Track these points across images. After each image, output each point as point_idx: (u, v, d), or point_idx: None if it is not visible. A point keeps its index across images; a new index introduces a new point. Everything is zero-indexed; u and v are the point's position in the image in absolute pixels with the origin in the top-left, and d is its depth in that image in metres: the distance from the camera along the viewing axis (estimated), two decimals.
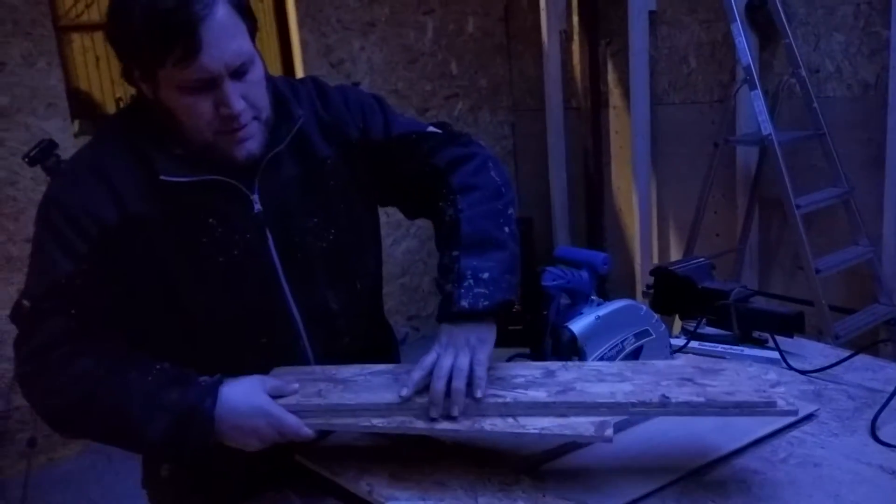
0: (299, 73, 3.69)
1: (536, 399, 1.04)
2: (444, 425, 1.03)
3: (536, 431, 1.00)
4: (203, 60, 1.02)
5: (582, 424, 1.00)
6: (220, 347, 1.17)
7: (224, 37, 1.03)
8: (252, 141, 1.12)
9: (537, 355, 1.42)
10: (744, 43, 2.79)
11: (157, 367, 1.10)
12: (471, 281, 1.12)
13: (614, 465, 1.10)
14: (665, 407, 1.01)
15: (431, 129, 1.31)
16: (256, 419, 1.06)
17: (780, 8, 2.81)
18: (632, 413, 1.04)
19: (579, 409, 1.02)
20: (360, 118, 1.27)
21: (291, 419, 1.06)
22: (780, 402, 0.99)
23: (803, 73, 2.80)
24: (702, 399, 1.01)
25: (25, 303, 1.10)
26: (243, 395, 1.08)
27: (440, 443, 1.14)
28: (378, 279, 1.40)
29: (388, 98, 3.92)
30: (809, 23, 2.91)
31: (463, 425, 1.03)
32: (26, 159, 2.59)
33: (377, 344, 1.39)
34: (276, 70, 4.46)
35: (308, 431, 1.06)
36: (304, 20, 3.68)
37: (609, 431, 0.99)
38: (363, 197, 1.29)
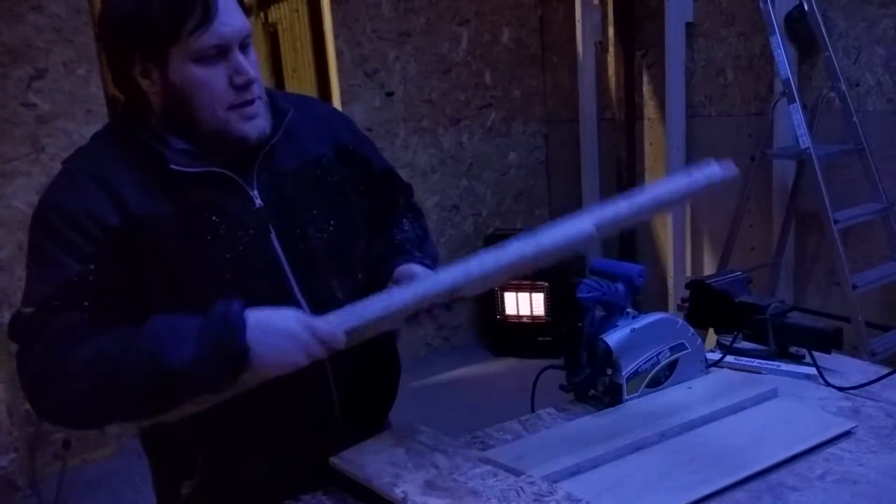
0: (334, 82, 3.74)
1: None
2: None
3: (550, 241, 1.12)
4: (219, 25, 1.06)
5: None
6: None
7: (230, 5, 1.09)
8: (260, 118, 1.14)
9: (572, 367, 1.42)
10: (783, 55, 2.76)
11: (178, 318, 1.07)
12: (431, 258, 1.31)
13: (648, 478, 1.10)
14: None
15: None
16: (288, 321, 1.04)
17: (820, 20, 2.78)
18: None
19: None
20: (351, 129, 1.36)
21: (323, 321, 1.05)
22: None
23: (843, 86, 2.76)
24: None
25: (27, 310, 1.07)
26: (270, 308, 1.06)
27: (472, 454, 1.15)
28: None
29: (422, 108, 4.00)
30: (850, 35, 2.87)
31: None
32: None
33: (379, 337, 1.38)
34: (312, 80, 4.51)
35: (341, 335, 1.05)
36: (339, 30, 3.72)
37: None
38: (357, 194, 1.33)
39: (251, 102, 1.12)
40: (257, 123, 1.14)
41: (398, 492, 1.05)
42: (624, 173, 4.04)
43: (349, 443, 1.21)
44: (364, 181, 1.34)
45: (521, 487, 1.03)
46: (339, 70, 3.74)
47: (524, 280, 4.09)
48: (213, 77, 1.09)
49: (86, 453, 3.24)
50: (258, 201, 1.17)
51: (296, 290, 1.19)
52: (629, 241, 4.09)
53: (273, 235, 1.18)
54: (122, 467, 3.21)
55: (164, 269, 1.11)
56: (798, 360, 1.50)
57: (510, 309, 4.15)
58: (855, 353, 2.53)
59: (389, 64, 3.89)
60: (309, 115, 1.29)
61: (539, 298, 4.09)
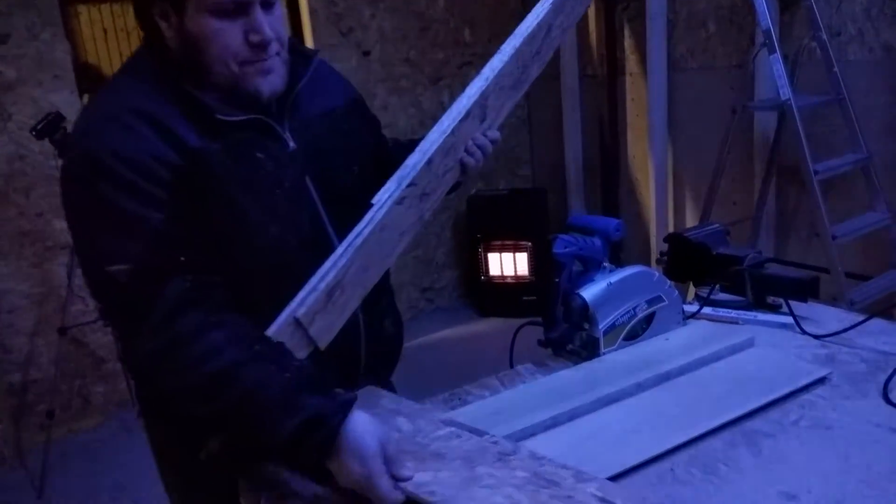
0: (308, 42, 3.66)
1: None
2: None
3: None
4: None
5: None
6: (280, 285, 1.11)
7: None
8: (275, 75, 1.14)
9: (549, 322, 1.41)
10: (763, 5, 2.72)
11: (296, 363, 1.03)
12: None
13: (624, 429, 1.10)
14: None
15: None
16: (362, 454, 0.95)
17: None
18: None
19: None
20: (351, 86, 1.38)
21: (385, 481, 0.94)
22: None
23: (824, 36, 2.73)
24: None
25: (121, 267, 1.00)
26: (364, 429, 0.96)
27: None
28: None
29: (401, 67, 3.94)
30: None
31: None
32: (34, 133, 2.60)
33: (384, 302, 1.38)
34: None
35: (398, 497, 0.94)
36: None
37: None
38: (369, 143, 1.36)
39: (267, 59, 1.11)
40: (271, 80, 1.13)
41: None
42: (606, 130, 4.01)
43: None
44: (371, 131, 1.40)
45: (484, 447, 1.02)
46: (314, 29, 3.66)
47: (507, 241, 4.08)
48: (229, 32, 1.07)
49: (71, 423, 3.24)
50: (291, 143, 1.18)
51: (329, 228, 1.21)
52: (611, 197, 4.09)
53: (307, 177, 1.20)
54: (108, 437, 3.22)
55: (228, 204, 1.09)
56: (775, 310, 1.50)
57: (494, 269, 4.14)
58: (834, 303, 2.55)
59: (365, 21, 3.81)
60: (323, 67, 1.31)
61: (523, 258, 4.09)
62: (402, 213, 1.15)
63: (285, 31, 1.15)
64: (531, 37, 1.26)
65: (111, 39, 4.58)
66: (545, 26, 1.28)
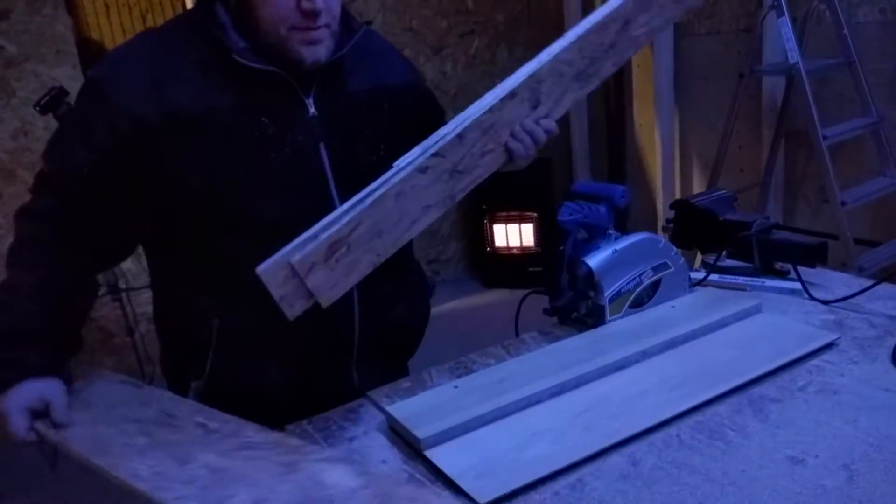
0: None
1: None
2: None
3: None
4: None
5: None
6: (258, 254, 1.09)
7: None
8: (322, 46, 1.13)
9: (554, 291, 1.41)
10: None
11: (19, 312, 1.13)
12: None
13: (629, 396, 1.09)
14: None
15: None
16: (9, 395, 1.08)
17: None
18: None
19: None
20: (412, 65, 1.38)
21: (17, 418, 1.07)
22: None
23: None
24: None
25: (44, 168, 1.17)
26: (28, 385, 1.09)
27: None
28: None
29: (403, 37, 3.89)
30: None
31: None
32: (38, 108, 2.59)
33: (408, 286, 1.38)
34: None
35: (21, 432, 1.07)
36: None
37: None
38: (415, 128, 1.25)
39: (316, 28, 1.11)
40: (316, 50, 1.13)
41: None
42: (612, 97, 3.97)
43: (364, 380, 1.25)
44: (423, 119, 1.30)
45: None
46: None
47: (513, 212, 4.06)
48: None
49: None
50: (312, 109, 1.17)
51: (336, 202, 1.18)
52: (617, 165, 4.06)
53: (322, 148, 1.18)
54: None
55: (199, 168, 1.11)
56: (783, 275, 1.49)
57: (500, 241, 4.13)
58: (843, 269, 2.53)
59: None
60: (377, 41, 1.31)
61: (528, 229, 4.07)
62: (425, 185, 1.06)
63: (338, 6, 1.15)
64: (601, 27, 1.15)
65: (113, 14, 4.53)
66: (621, 19, 1.16)
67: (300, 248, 1.00)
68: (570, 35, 1.16)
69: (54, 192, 1.15)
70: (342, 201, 1.13)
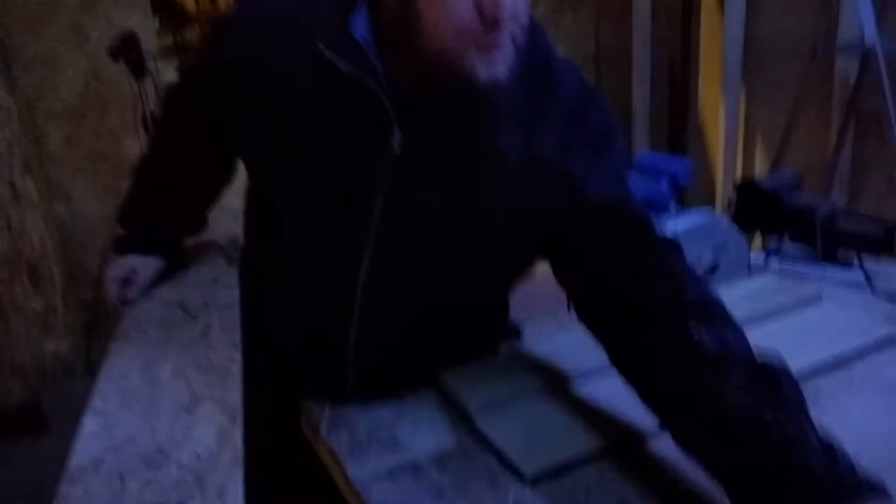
0: None
1: None
2: None
3: None
4: None
5: None
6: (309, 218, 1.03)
7: None
8: (504, 63, 0.86)
9: None
10: None
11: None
12: None
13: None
14: None
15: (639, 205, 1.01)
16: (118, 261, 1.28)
17: None
18: None
19: None
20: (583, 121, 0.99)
21: (110, 285, 1.27)
22: None
23: None
24: None
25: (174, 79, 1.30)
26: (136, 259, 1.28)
27: None
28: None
29: None
30: None
31: None
32: (110, 53, 2.63)
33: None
34: None
35: (109, 296, 1.28)
36: None
37: None
38: (534, 215, 0.97)
39: (495, 43, 0.85)
40: (497, 64, 0.86)
41: None
42: (677, 69, 3.87)
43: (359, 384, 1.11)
44: (556, 207, 0.96)
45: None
46: None
47: None
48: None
49: None
50: (396, 139, 0.93)
51: (368, 246, 0.99)
52: (678, 139, 3.98)
53: (380, 195, 0.96)
54: None
55: (264, 129, 1.00)
56: (847, 265, 1.45)
57: None
58: None
59: None
60: (536, 74, 0.95)
61: None
62: None
63: (526, 17, 0.88)
64: None
65: None
66: None
67: None
68: None
69: (184, 98, 1.21)
70: (374, 244, 0.98)
